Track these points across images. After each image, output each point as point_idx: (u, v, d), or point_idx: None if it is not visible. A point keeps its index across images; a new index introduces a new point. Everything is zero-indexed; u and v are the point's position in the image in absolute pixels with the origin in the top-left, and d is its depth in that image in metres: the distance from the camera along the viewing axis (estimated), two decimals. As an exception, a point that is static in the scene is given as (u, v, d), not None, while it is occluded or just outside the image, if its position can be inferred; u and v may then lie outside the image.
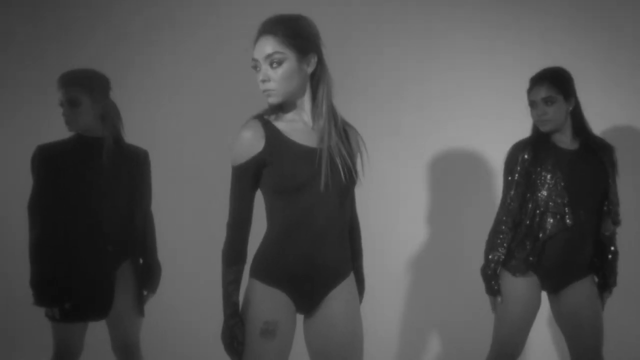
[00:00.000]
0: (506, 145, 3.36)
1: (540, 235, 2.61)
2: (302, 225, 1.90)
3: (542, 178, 2.61)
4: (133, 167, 2.71)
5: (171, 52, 3.90)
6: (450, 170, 3.65)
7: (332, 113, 1.92)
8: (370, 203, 3.73)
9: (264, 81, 1.85)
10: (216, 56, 3.85)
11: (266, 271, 1.94)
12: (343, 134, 1.95)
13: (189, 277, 3.88)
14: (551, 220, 2.58)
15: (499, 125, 3.46)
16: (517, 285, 2.68)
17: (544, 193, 2.59)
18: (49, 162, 2.57)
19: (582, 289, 2.66)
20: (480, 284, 2.82)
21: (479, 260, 2.83)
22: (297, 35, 1.84)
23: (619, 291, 2.82)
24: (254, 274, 1.97)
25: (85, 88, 2.57)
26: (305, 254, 1.91)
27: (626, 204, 2.82)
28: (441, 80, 3.67)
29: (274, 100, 1.87)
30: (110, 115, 2.65)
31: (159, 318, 3.28)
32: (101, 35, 3.95)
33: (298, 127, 1.94)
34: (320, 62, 1.90)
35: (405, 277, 3.76)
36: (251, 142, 1.86)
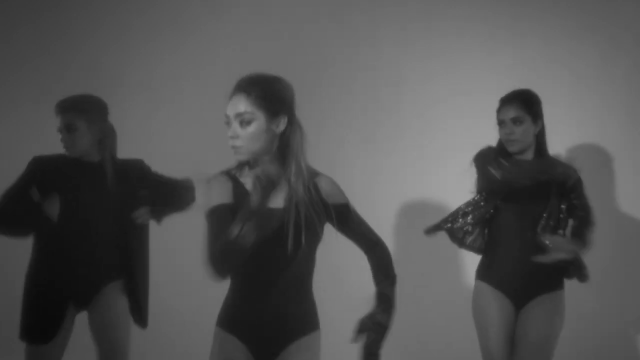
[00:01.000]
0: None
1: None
2: (256, 277, 1.97)
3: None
4: (129, 187, 2.74)
5: (171, 52, 3.91)
6: (451, 170, 3.65)
7: (300, 172, 1.95)
8: (377, 207, 3.75)
9: (232, 137, 1.92)
10: (215, 57, 3.85)
11: (225, 318, 2.03)
12: (313, 189, 1.98)
13: (187, 281, 3.87)
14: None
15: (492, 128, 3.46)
16: (479, 292, 2.76)
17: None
18: (39, 175, 2.65)
19: (545, 303, 2.66)
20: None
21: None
22: (269, 97, 1.91)
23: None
24: (218, 320, 2.06)
25: (82, 113, 2.61)
26: (258, 305, 1.97)
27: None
28: (441, 80, 3.67)
29: (241, 157, 1.94)
30: (108, 140, 2.69)
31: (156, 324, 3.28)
32: (101, 35, 3.95)
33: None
34: (291, 123, 1.95)
35: (409, 282, 3.75)
36: (222, 191, 1.92)
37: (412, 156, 3.77)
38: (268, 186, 1.85)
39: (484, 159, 2.66)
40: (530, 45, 3.52)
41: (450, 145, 3.59)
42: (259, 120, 1.91)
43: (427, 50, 3.67)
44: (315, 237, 1.97)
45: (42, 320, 2.63)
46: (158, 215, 2.82)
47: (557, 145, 3.14)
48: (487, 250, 2.75)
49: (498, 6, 3.58)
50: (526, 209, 2.66)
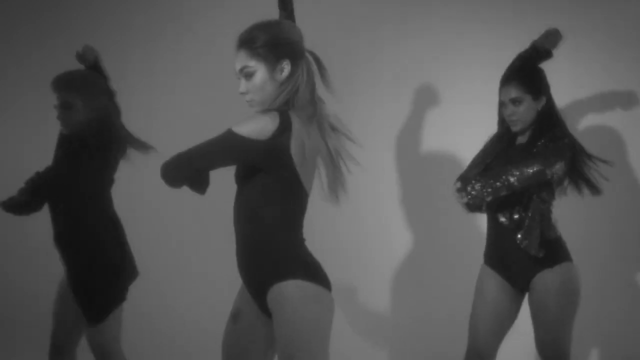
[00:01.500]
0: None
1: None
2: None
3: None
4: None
5: (171, 50, 3.90)
6: (449, 168, 3.65)
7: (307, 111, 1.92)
8: (367, 203, 3.74)
9: (242, 93, 1.95)
10: (215, 56, 3.84)
11: None
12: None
13: (188, 281, 3.87)
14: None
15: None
16: (480, 273, 2.71)
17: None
18: None
19: (540, 282, 2.57)
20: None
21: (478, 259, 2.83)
22: (267, 44, 1.90)
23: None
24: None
25: (77, 90, 2.58)
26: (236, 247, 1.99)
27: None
28: (441, 79, 3.66)
29: (256, 110, 1.95)
30: (107, 117, 2.65)
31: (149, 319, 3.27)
32: (100, 34, 3.95)
33: None
34: (296, 66, 1.92)
35: (406, 276, 3.75)
36: (263, 129, 1.90)
37: (412, 153, 3.76)
38: None
39: (464, 181, 2.57)
40: (530, 41, 3.51)
41: (451, 145, 3.59)
42: (260, 71, 1.91)
43: (427, 49, 3.67)
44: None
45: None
46: None
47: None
48: (487, 230, 2.74)
49: (498, 6, 3.57)
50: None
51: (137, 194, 3.66)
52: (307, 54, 1.97)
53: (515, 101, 2.60)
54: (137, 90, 3.87)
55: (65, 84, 2.61)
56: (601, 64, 3.46)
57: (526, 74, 2.63)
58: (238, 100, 3.78)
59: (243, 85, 1.94)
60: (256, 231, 1.92)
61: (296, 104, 1.91)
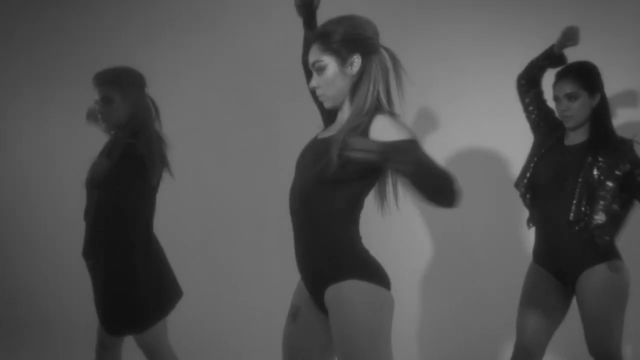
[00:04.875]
0: (509, 146, 3.36)
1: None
2: (291, 215, 1.98)
3: (538, 168, 2.61)
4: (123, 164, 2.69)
5: (171, 50, 3.89)
6: (454, 170, 3.64)
7: (357, 112, 1.89)
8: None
9: (315, 88, 1.95)
10: (215, 56, 3.84)
11: None
12: (356, 127, 1.87)
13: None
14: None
15: (500, 126, 3.45)
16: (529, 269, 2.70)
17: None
18: None
19: (587, 279, 2.52)
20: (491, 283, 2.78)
21: (488, 259, 2.80)
22: (338, 40, 1.89)
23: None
24: None
25: (117, 85, 2.62)
26: (295, 245, 1.96)
27: None
28: (441, 80, 3.66)
29: (327, 105, 1.95)
30: (143, 113, 2.69)
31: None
32: (101, 34, 3.95)
33: (333, 125, 2.03)
34: (368, 61, 1.90)
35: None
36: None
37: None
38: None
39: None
40: (531, 43, 3.51)
41: (450, 145, 3.59)
42: (331, 65, 1.89)
43: (428, 49, 3.66)
44: (324, 169, 1.86)
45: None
46: None
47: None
48: (537, 229, 2.68)
49: (499, 6, 3.57)
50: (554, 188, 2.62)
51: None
52: (382, 50, 1.95)
53: (570, 96, 2.58)
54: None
55: (105, 79, 2.64)
56: (601, 65, 3.46)
57: (583, 70, 2.63)
58: (238, 101, 3.80)
59: (315, 79, 1.93)
60: (321, 227, 1.89)
61: (383, 104, 1.91)
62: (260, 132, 3.74)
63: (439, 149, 3.70)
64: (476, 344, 3.47)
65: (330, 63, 1.89)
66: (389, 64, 1.95)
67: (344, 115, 1.96)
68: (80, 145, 4.25)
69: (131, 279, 2.54)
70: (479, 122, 3.52)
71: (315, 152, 1.93)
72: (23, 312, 4.04)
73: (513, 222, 3.34)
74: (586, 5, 3.40)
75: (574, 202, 2.50)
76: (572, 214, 2.51)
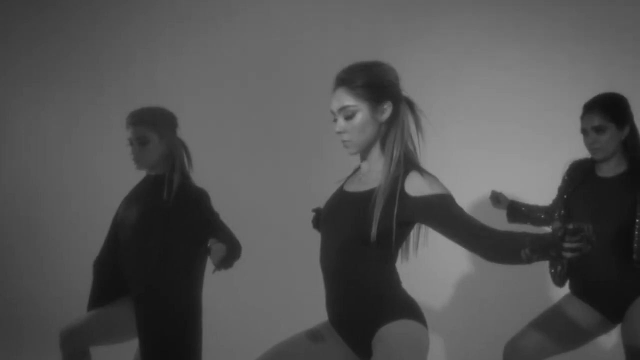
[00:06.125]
0: (510, 145, 3.36)
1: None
2: (321, 268, 1.98)
3: (573, 203, 2.60)
4: (182, 207, 2.69)
5: (171, 52, 3.90)
6: (453, 172, 3.65)
7: (395, 160, 1.91)
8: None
9: (339, 132, 1.91)
10: (215, 57, 3.85)
11: None
12: (399, 182, 1.89)
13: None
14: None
15: (503, 128, 3.45)
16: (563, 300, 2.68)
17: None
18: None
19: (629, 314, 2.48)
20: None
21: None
22: (370, 85, 1.87)
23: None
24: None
25: (153, 126, 2.61)
26: (327, 298, 1.98)
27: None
28: (442, 80, 3.66)
29: (350, 151, 1.93)
30: (177, 153, 2.69)
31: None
32: (100, 34, 3.95)
33: (358, 174, 2.01)
34: (397, 108, 1.91)
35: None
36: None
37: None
38: None
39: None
40: (532, 43, 3.52)
41: (450, 144, 3.59)
42: (363, 111, 1.88)
43: (428, 49, 3.67)
44: (361, 232, 1.87)
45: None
46: (226, 264, 2.75)
47: (559, 145, 3.13)
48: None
49: (499, 5, 3.57)
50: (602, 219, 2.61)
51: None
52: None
53: (598, 129, 2.56)
54: (138, 90, 3.87)
55: (141, 119, 2.61)
56: (601, 64, 3.47)
57: (611, 102, 2.61)
58: (239, 101, 3.80)
59: (341, 124, 1.90)
60: (361, 280, 1.90)
61: (411, 152, 1.93)
62: (260, 132, 3.75)
63: (434, 147, 3.73)
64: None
65: (362, 108, 1.87)
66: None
67: (371, 164, 1.94)
68: (80, 145, 4.27)
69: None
70: (475, 122, 3.53)
71: (352, 207, 1.90)
72: (23, 312, 4.05)
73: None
74: (587, 8, 3.42)
75: (635, 245, 2.43)
76: (635, 255, 2.44)
